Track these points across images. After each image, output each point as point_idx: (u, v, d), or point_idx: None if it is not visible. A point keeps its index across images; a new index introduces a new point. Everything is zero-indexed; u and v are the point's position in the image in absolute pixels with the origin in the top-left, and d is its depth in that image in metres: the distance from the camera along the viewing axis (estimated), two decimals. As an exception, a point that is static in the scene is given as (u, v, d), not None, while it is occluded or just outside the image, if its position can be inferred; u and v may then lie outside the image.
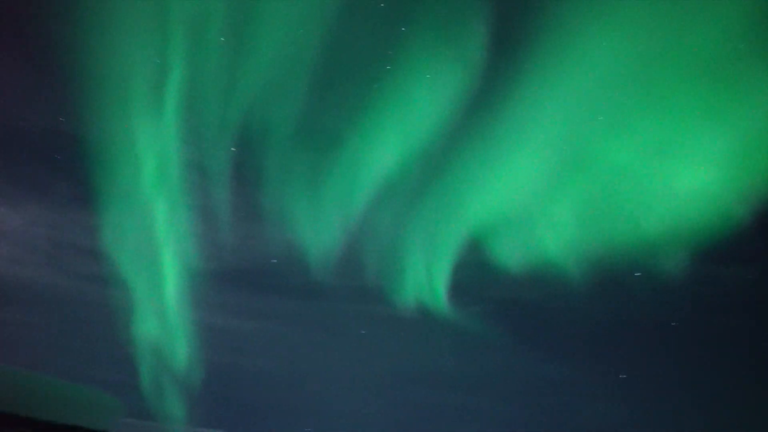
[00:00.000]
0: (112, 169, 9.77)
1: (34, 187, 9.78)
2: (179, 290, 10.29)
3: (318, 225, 10.74)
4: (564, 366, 10.32)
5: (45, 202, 9.85)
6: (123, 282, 9.92)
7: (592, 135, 9.51)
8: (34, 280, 9.96)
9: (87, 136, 9.50)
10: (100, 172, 9.71)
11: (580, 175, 9.83)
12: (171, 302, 10.28)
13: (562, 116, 9.67)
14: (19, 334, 9.73)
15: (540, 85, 9.34)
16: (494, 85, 9.49)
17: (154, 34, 9.32)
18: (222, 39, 9.57)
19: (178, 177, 10.16)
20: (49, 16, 8.95)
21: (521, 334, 10.49)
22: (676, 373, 9.97)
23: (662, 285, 9.38)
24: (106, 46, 9.11)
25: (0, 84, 9.31)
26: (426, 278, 10.61)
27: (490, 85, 9.51)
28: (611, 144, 9.51)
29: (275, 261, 10.90)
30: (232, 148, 10.22)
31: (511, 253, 10.17)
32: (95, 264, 9.97)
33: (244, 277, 10.87)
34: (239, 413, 10.25)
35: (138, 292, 10.07)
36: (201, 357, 10.16)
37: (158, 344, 10.04)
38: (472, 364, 10.61)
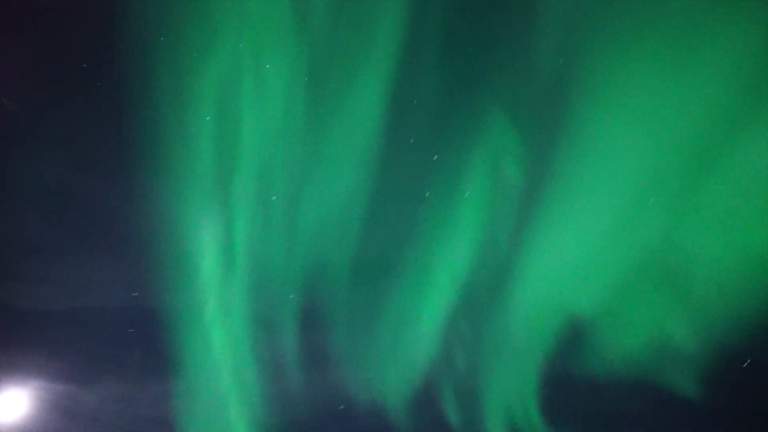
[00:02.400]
0: (182, 336, 10.03)
1: (106, 363, 9.95)
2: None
3: (385, 361, 10.60)
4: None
5: (117, 377, 9.94)
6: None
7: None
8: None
9: (159, 308, 9.93)
10: (171, 342, 9.97)
11: (671, 256, 9.80)
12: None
13: (625, 196, 9.87)
14: None
15: (595, 168, 9.74)
16: (539, 179, 9.99)
17: (217, 204, 10.20)
18: (274, 198, 10.42)
19: (244, 334, 10.36)
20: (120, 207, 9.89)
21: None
22: None
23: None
24: (174, 219, 9.92)
25: (75, 265, 9.96)
26: (513, 402, 10.11)
27: (534, 182, 10.02)
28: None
29: (342, 407, 10.56)
30: (291, 296, 10.52)
31: (603, 359, 9.80)
32: (166, 435, 9.71)
33: (313, 428, 10.44)
34: None
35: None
36: None
37: None
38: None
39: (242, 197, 10.26)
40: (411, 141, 10.19)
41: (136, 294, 10.14)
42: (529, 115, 10.00)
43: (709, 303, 9.59)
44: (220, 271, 10.26)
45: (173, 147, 10.18)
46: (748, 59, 8.47)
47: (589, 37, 9.33)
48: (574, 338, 10.23)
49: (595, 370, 9.89)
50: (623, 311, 10.26)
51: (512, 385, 10.25)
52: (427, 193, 10.31)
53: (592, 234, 10.58)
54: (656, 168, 9.71)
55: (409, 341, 10.56)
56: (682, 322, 9.73)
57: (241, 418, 10.07)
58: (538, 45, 9.40)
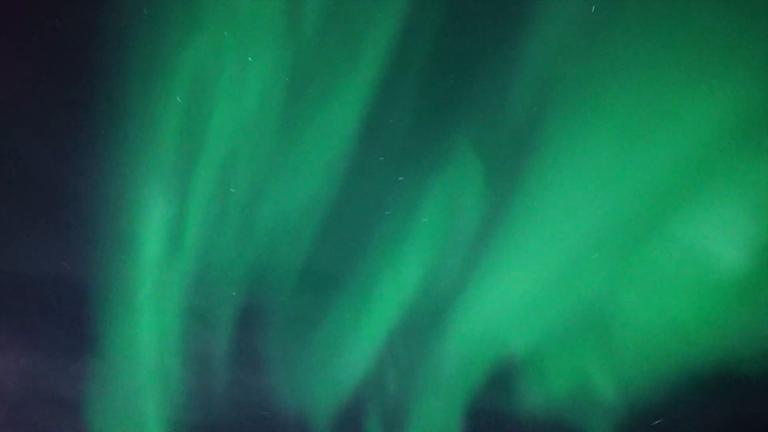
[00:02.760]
0: (108, 316, 9.52)
1: (18, 332, 9.25)
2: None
3: (316, 373, 10.46)
4: None
5: (27, 348, 9.24)
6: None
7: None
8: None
9: (89, 282, 9.41)
10: (95, 320, 9.44)
11: (604, 312, 10.24)
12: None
13: (571, 249, 10.36)
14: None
15: (551, 207, 10.18)
16: (495, 219, 10.34)
17: (172, 186, 9.86)
18: (233, 190, 10.20)
19: (175, 324, 9.96)
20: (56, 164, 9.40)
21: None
22: None
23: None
24: (124, 194, 9.51)
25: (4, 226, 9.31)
26: (436, 431, 10.23)
27: (490, 221, 10.34)
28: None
29: (265, 413, 10.28)
30: (233, 292, 10.24)
31: (528, 400, 10.08)
32: (71, 418, 9.08)
33: (230, 431, 10.09)
34: None
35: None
36: None
37: None
38: None
39: (200, 183, 10.00)
40: (380, 159, 10.34)
41: (67, 264, 9.58)
42: (496, 157, 10.38)
43: (632, 362, 10.15)
44: (162, 254, 9.88)
45: (136, 120, 9.84)
46: (706, 138, 9.19)
47: (566, 95, 9.87)
48: (503, 376, 10.51)
49: (519, 410, 10.16)
50: (553, 357, 10.64)
51: (438, 413, 10.35)
52: (387, 212, 10.43)
53: (536, 279, 10.99)
54: (605, 228, 10.27)
55: (344, 357, 10.49)
56: (605, 376, 10.21)
57: (155, 410, 9.60)
58: (517, 91, 9.83)
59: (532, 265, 10.96)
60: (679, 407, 9.42)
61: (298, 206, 10.36)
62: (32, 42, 9.53)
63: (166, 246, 9.85)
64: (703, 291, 9.89)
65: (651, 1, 8.91)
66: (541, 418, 9.94)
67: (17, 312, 9.50)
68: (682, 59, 9.22)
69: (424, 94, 10.06)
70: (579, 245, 10.70)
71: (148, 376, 9.66)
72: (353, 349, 10.59)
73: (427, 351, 10.80)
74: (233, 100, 10.23)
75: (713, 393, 9.35)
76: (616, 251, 10.25)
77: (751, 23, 8.68)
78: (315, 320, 10.49)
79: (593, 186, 10.23)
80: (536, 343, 10.79)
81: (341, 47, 9.84)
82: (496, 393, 10.44)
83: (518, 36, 9.64)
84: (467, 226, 10.66)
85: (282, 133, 10.11)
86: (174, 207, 9.79)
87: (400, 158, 10.40)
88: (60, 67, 9.63)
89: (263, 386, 10.04)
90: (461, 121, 10.11)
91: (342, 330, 10.61)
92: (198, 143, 10.13)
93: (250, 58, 10.22)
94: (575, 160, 10.12)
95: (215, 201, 10.12)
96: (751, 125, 9.27)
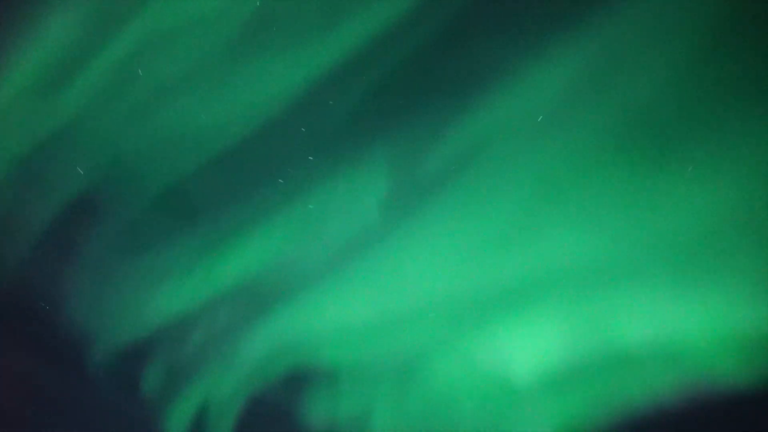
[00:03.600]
0: None
1: None
2: None
3: (126, 298, 9.58)
4: None
5: None
6: None
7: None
8: None
9: None
10: None
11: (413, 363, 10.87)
12: None
13: (418, 292, 10.84)
14: None
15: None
16: (373, 241, 10.54)
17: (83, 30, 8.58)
18: (140, 73, 9.19)
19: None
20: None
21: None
22: None
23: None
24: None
25: None
26: (214, 406, 9.87)
27: (366, 241, 10.54)
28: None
29: (47, 308, 9.12)
30: (80, 170, 9.06)
31: (310, 414, 10.29)
32: None
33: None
34: None
35: None
36: None
37: None
38: None
39: (114, 47, 8.82)
40: (302, 129, 10.07)
41: None
42: (401, 186, 10.72)
43: (413, 419, 10.93)
44: (29, 93, 8.42)
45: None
46: (553, 269, 10.36)
47: (481, 171, 10.57)
48: (300, 380, 10.59)
49: (299, 415, 10.26)
50: (349, 382, 11.00)
51: (223, 393, 10.04)
52: (281, 181, 10.14)
53: (371, 309, 11.33)
54: (449, 299, 11.02)
55: (161, 294, 9.77)
56: (386, 418, 10.81)
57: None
58: (449, 144, 10.32)
59: (375, 295, 11.34)
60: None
61: (199, 127, 9.63)
62: None
63: (38, 86, 8.45)
64: (491, 393, 11.05)
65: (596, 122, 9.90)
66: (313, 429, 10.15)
67: None
68: (581, 195, 10.48)
69: (374, 97, 10.09)
70: (423, 299, 11.37)
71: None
72: (174, 292, 9.93)
73: (243, 326, 10.53)
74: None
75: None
76: (445, 324, 11.07)
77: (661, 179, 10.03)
78: (151, 243, 9.69)
79: (460, 257, 11.02)
80: (342, 364, 11.10)
81: (330, 7, 9.55)
82: (287, 392, 10.46)
83: (477, 100, 10.19)
84: (342, 232, 10.77)
85: (226, 51, 9.43)
86: (72, 54, 8.49)
87: (318, 140, 10.25)
88: None
89: (61, 281, 8.88)
90: (391, 139, 10.31)
91: (173, 267, 9.92)
92: (133, 8, 9.02)
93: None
94: (460, 226, 10.84)
95: (118, 72, 9.00)
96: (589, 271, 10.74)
